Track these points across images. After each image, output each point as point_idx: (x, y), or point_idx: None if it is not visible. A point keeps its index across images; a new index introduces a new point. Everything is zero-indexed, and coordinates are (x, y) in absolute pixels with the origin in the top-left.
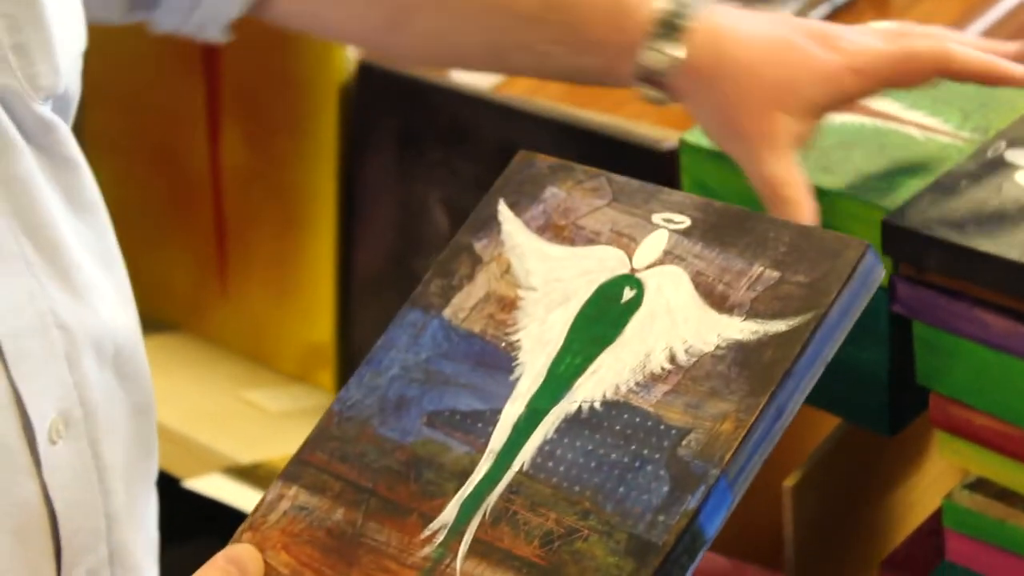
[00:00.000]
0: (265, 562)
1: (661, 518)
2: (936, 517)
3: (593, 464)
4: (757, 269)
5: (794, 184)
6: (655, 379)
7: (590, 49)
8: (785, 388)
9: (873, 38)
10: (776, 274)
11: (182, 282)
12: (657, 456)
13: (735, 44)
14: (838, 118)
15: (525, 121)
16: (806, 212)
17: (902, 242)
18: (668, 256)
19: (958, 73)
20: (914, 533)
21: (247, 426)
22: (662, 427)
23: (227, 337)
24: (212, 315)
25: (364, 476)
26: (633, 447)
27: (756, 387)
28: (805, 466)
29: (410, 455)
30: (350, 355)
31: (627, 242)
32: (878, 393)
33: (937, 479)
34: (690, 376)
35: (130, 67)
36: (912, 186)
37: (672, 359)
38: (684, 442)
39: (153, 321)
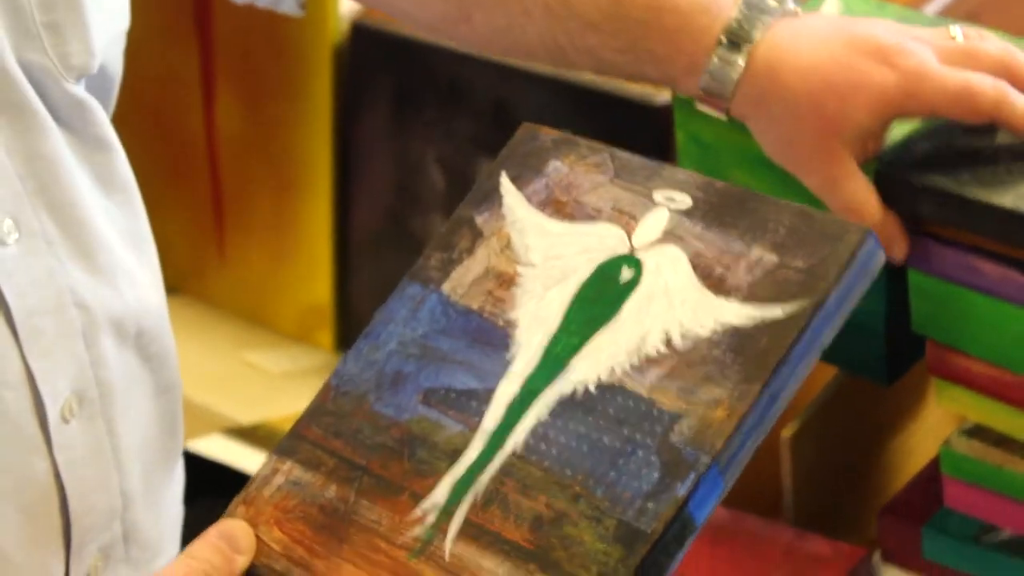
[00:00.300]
0: (257, 537)
1: (650, 505)
2: (934, 464)
3: (585, 448)
4: (756, 252)
5: (869, 205)
6: (650, 362)
7: (654, 62)
8: (779, 376)
9: (936, 55)
10: (775, 258)
11: (180, 246)
12: (649, 441)
13: (792, 71)
14: None
15: (520, 79)
16: (890, 228)
17: (896, 192)
18: (668, 236)
19: (1007, 126)
20: (912, 480)
21: (247, 387)
22: (655, 412)
23: (226, 300)
24: (211, 278)
25: (358, 453)
26: (625, 431)
27: (750, 374)
28: (803, 416)
29: (404, 432)
30: (348, 315)
31: (628, 220)
32: (875, 342)
33: (935, 427)
34: (685, 360)
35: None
36: (901, 134)
37: (668, 342)
38: (676, 428)
39: None
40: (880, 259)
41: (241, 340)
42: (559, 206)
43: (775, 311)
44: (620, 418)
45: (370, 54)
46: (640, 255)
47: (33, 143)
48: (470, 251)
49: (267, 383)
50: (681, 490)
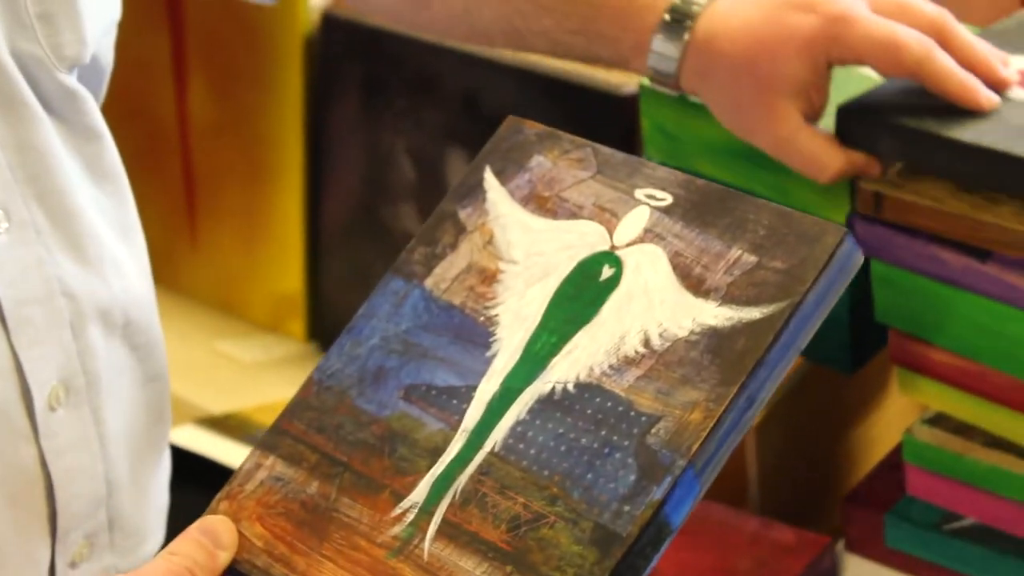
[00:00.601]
0: (240, 533)
1: (627, 508)
2: (897, 452)
3: (563, 448)
4: (735, 252)
5: (827, 155)
6: (628, 362)
7: (605, 43)
8: (756, 378)
9: (867, 5)
10: (753, 259)
11: (152, 235)
12: (626, 443)
13: (726, 39)
14: None
15: (489, 69)
16: (833, 171)
17: (856, 132)
18: (648, 234)
19: (929, 84)
20: (876, 468)
21: (219, 376)
22: (632, 413)
23: (198, 289)
24: (183, 267)
25: (340, 449)
26: (603, 433)
27: (727, 376)
28: (768, 406)
29: (385, 429)
30: (320, 304)
31: (609, 217)
32: (839, 331)
33: (897, 415)
34: (663, 361)
35: None
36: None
37: (646, 342)
38: (653, 430)
39: None
40: (858, 259)
41: (213, 329)
42: (541, 202)
43: (753, 312)
44: (598, 419)
45: (340, 44)
46: (621, 253)
47: (24, 134)
48: (453, 246)
49: (239, 372)
50: (657, 493)
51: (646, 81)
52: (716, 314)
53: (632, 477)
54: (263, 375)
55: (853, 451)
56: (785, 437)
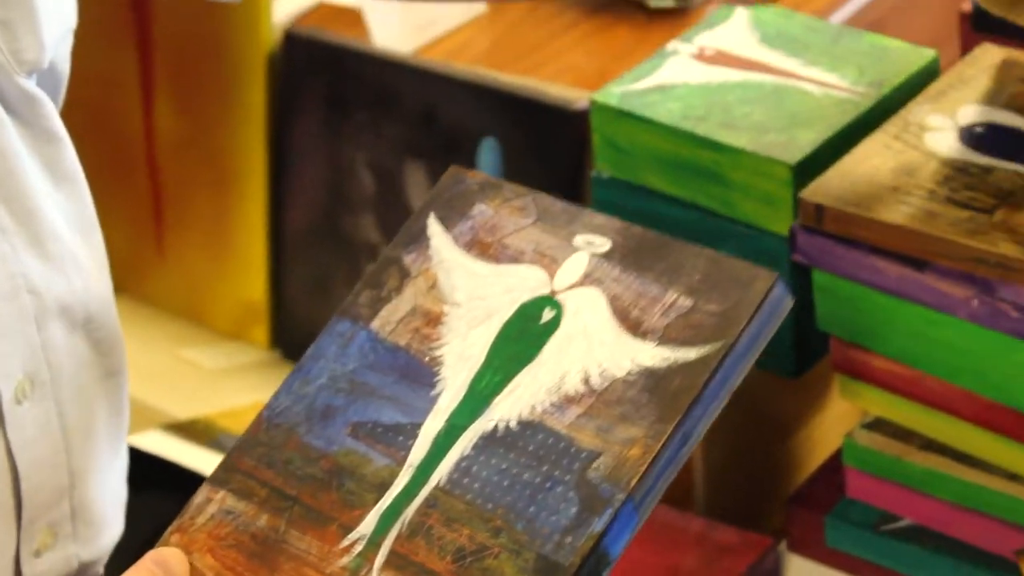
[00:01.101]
0: (191, 564)
1: (568, 539)
2: (837, 456)
3: (506, 483)
4: (671, 296)
5: None
6: (569, 401)
7: None
8: (692, 416)
9: None
10: (689, 302)
11: (119, 244)
12: (567, 478)
13: None
14: (740, 76)
15: (445, 85)
16: None
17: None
18: (587, 279)
19: None
20: (817, 471)
21: (184, 383)
22: (573, 449)
23: (164, 297)
24: (149, 276)
25: (289, 483)
26: (545, 468)
27: (664, 414)
28: None
29: (333, 464)
30: (283, 312)
31: (549, 262)
32: (783, 338)
33: (838, 419)
34: (602, 400)
35: None
36: (811, 139)
37: (586, 381)
38: (593, 465)
39: None
40: (788, 303)
41: (178, 337)
42: (484, 247)
43: (689, 353)
44: (540, 455)
45: (302, 60)
46: (560, 297)
47: None
48: (398, 290)
49: (203, 379)
50: (598, 525)
51: (597, 97)
52: (653, 355)
53: (573, 510)
54: (227, 381)
55: (795, 454)
56: (730, 440)
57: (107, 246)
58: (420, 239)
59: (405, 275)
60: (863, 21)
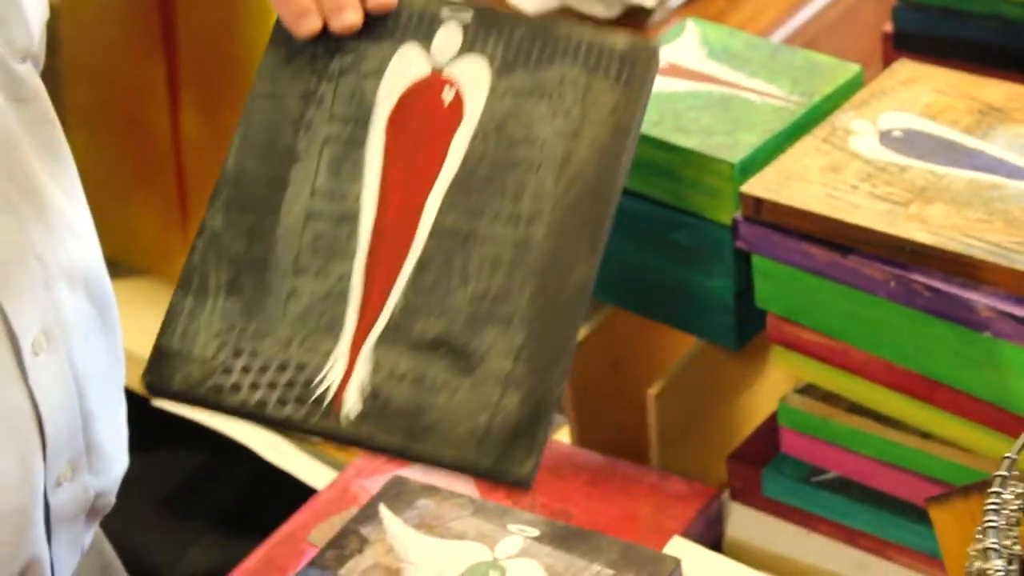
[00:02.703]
0: None
1: None
2: (773, 417)
3: None
4: (596, 568)
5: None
6: None
7: None
8: None
9: None
10: (611, 571)
11: (149, 234)
12: None
13: None
14: (690, 86)
15: None
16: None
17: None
18: (524, 553)
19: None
20: (756, 430)
21: None
22: None
23: None
24: (175, 261)
25: None
26: None
27: None
28: (666, 377)
29: None
30: None
31: (489, 540)
32: (725, 314)
33: (774, 386)
34: None
35: (102, 51)
36: (751, 142)
37: None
38: None
39: (125, 267)
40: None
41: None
42: (430, 528)
43: None
44: None
45: None
46: (503, 563)
47: None
48: (360, 551)
49: None
50: None
51: None
52: None
53: None
54: None
55: (737, 416)
56: (681, 404)
57: (138, 234)
58: (374, 518)
59: (364, 542)
60: (798, 40)
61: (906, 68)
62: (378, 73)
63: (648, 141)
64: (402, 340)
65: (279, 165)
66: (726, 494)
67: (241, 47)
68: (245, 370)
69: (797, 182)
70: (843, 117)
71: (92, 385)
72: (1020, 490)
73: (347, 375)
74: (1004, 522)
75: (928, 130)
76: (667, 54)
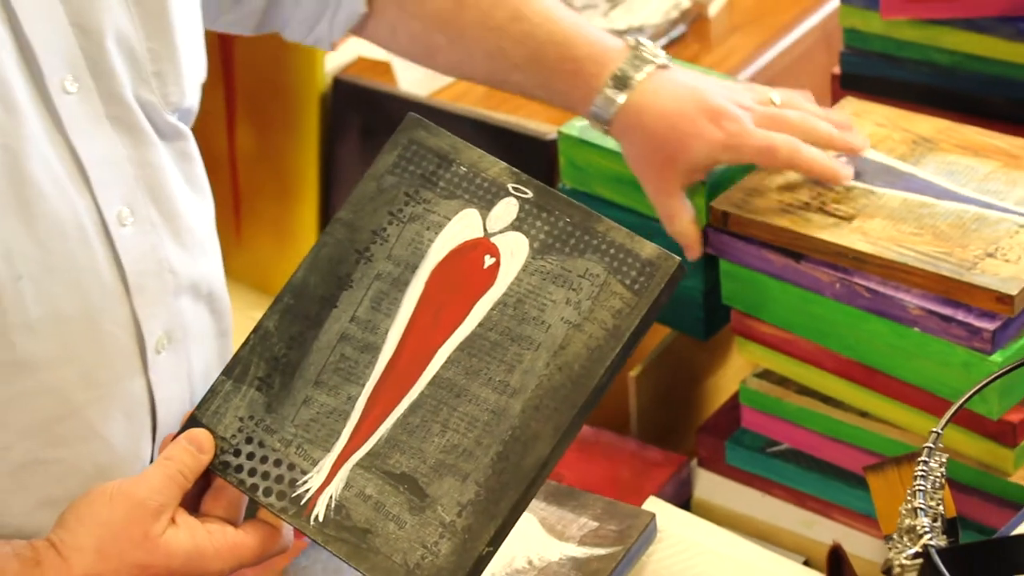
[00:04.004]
0: None
1: None
2: (735, 397)
3: None
4: (583, 520)
5: (681, 216)
6: (519, 573)
7: (560, 95)
8: None
9: (752, 119)
10: (596, 524)
11: None
12: None
13: (652, 116)
14: None
15: (452, 119)
16: (689, 237)
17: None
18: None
19: (800, 171)
20: (720, 408)
21: None
22: None
23: (240, 273)
24: (229, 258)
25: None
26: None
27: None
28: (644, 361)
29: None
30: None
31: None
32: (696, 310)
33: (737, 371)
34: (543, 572)
35: None
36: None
37: (530, 562)
38: None
39: None
40: (655, 534)
41: (251, 303)
42: None
43: (599, 551)
44: None
45: (345, 100)
46: None
47: (145, 154)
48: None
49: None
50: None
51: (563, 129)
52: (575, 551)
53: None
54: None
55: (704, 395)
56: (656, 384)
57: None
58: None
59: None
60: (760, 79)
61: (851, 104)
62: (438, 227)
63: None
64: (377, 467)
65: (335, 287)
66: (695, 462)
67: (287, 78)
68: (250, 456)
69: (758, 198)
70: None
71: (201, 381)
72: (943, 459)
73: (324, 485)
74: (930, 486)
75: (869, 156)
76: None
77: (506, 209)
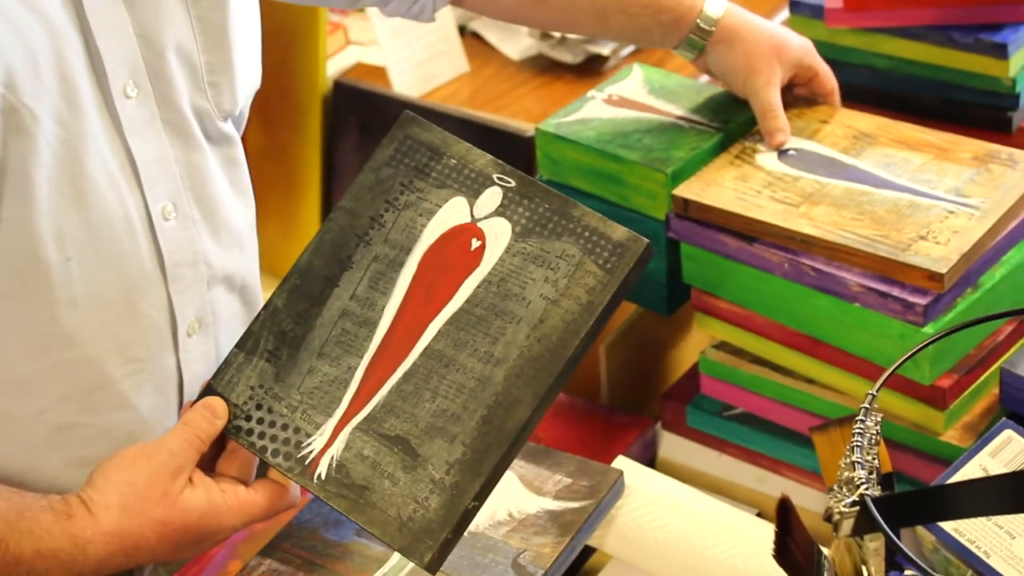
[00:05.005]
0: None
1: None
2: (695, 366)
3: (465, 563)
4: (557, 477)
5: (778, 109)
6: (501, 524)
7: (664, 11)
8: (580, 533)
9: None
10: (569, 480)
11: None
12: (505, 562)
13: (748, 27)
14: (635, 115)
15: (440, 118)
16: (782, 127)
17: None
18: None
19: (827, 93)
20: (682, 376)
21: None
22: (506, 547)
23: None
24: None
25: (316, 557)
26: (490, 556)
27: (562, 531)
28: (613, 335)
29: (345, 549)
30: None
31: None
32: (660, 288)
33: (697, 343)
34: (522, 523)
35: None
36: (681, 156)
37: (510, 515)
38: (521, 557)
39: None
40: (623, 489)
41: (262, 285)
42: None
43: (573, 504)
44: (487, 549)
45: (346, 102)
46: None
47: (193, 157)
48: None
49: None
50: None
51: (540, 126)
52: (551, 503)
53: None
54: None
55: (668, 365)
56: (624, 355)
57: None
58: None
59: None
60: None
61: (799, 103)
62: (431, 213)
63: (603, 155)
64: (374, 430)
65: (337, 268)
66: (659, 424)
67: (292, 81)
68: (260, 421)
69: (715, 188)
70: (751, 139)
71: None
72: (879, 419)
73: (326, 446)
74: (867, 442)
75: (815, 150)
76: (617, 90)
77: (491, 197)
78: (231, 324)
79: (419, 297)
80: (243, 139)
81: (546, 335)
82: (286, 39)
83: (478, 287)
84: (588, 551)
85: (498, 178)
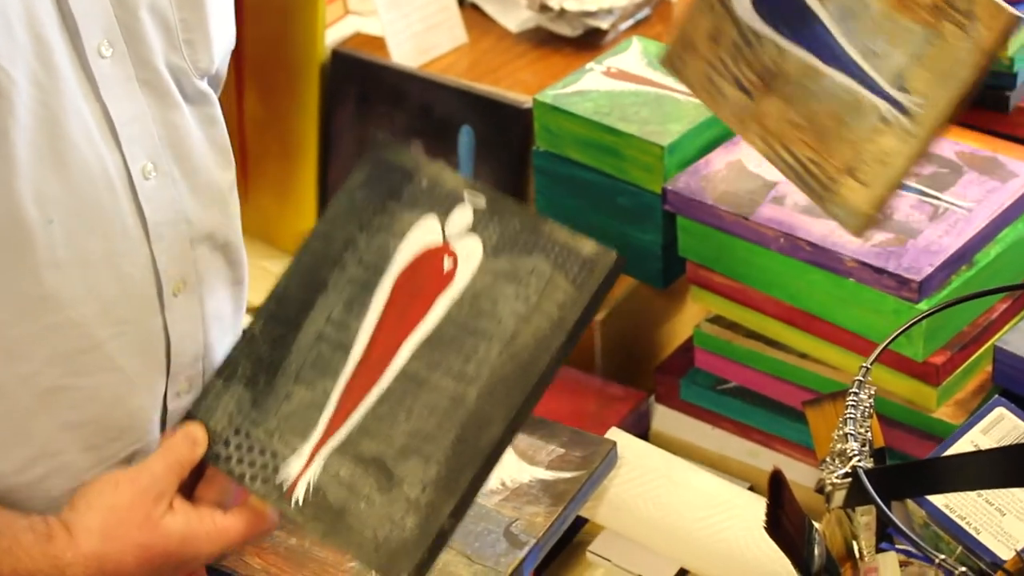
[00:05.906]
0: (244, 562)
1: (503, 559)
2: (690, 339)
3: (457, 531)
4: (551, 447)
5: None
6: (494, 493)
7: None
8: (571, 506)
9: None
10: (563, 450)
11: None
12: (498, 530)
13: None
14: (633, 87)
15: (438, 88)
16: None
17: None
18: None
19: None
20: (676, 349)
21: (261, 283)
22: (498, 516)
23: (248, 227)
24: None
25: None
26: (482, 524)
27: (554, 501)
28: (609, 307)
29: None
30: None
31: None
32: (655, 261)
33: (692, 316)
34: (515, 493)
35: None
36: (678, 129)
37: (503, 484)
38: (513, 526)
39: None
40: (615, 460)
41: (259, 253)
42: None
43: (565, 474)
44: (480, 517)
45: (343, 70)
46: None
47: (170, 116)
48: None
49: (273, 280)
50: (520, 554)
51: (537, 97)
52: (544, 473)
53: (504, 546)
54: None
55: (662, 338)
56: (619, 328)
57: None
58: None
59: None
60: None
61: None
62: (402, 234)
63: (600, 127)
64: (350, 452)
65: (313, 292)
66: (653, 397)
67: (291, 51)
68: (238, 447)
69: (691, 52)
70: None
71: (215, 323)
72: (872, 392)
73: (303, 470)
74: (860, 415)
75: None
76: (616, 63)
77: (462, 216)
78: (215, 283)
79: (393, 319)
80: (240, 107)
81: (518, 352)
82: (285, 8)
83: (451, 307)
84: (580, 521)
85: (469, 197)
